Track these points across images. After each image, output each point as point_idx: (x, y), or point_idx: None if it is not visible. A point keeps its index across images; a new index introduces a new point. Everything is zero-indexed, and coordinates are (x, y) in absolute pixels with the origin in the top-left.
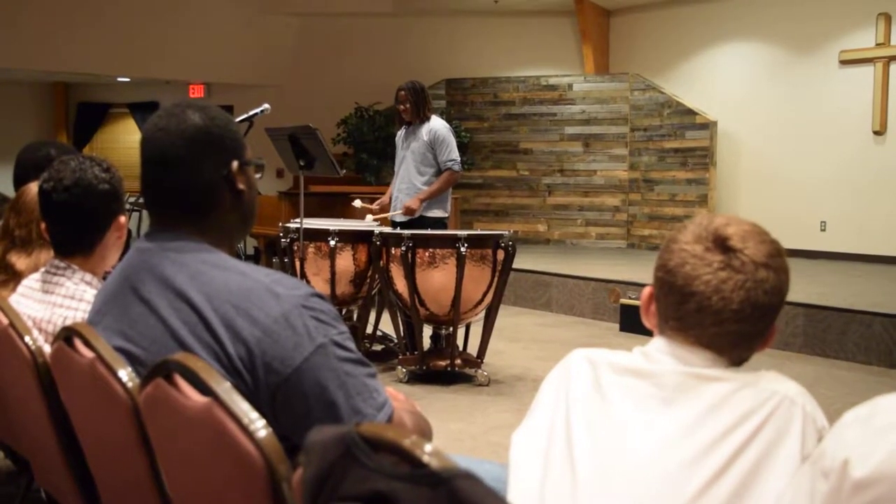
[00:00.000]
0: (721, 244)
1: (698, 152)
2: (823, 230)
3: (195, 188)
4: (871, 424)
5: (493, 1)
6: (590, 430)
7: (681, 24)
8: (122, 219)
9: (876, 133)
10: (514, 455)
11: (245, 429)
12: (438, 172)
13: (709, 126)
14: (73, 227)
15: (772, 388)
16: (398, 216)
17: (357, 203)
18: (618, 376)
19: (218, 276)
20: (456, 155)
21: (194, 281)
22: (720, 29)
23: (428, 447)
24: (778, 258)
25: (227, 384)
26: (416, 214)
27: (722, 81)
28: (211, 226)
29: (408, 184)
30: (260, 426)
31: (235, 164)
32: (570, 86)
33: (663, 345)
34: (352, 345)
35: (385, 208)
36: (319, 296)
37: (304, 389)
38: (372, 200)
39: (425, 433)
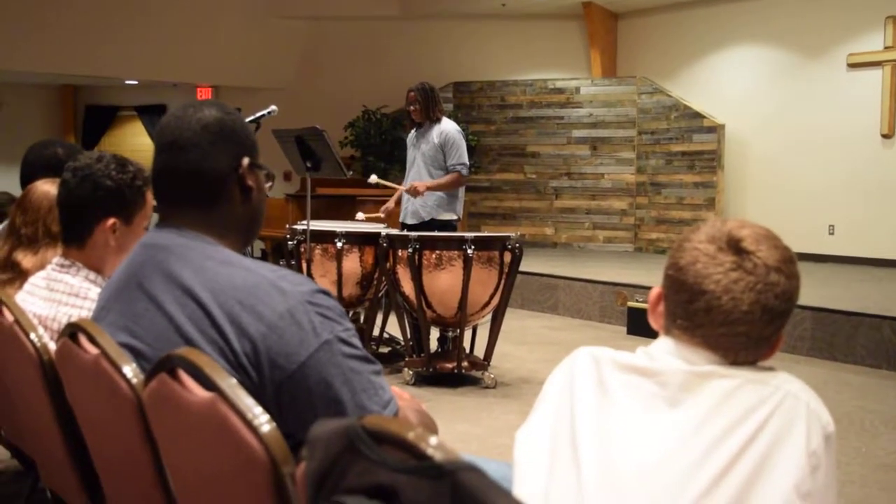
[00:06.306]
0: (734, 245)
1: (706, 156)
2: (832, 234)
3: (206, 175)
4: None
5: (501, 4)
6: (595, 430)
7: (688, 27)
8: (112, 221)
9: (884, 136)
10: (519, 453)
11: (249, 423)
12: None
13: (716, 129)
14: (64, 213)
15: (775, 384)
16: (409, 219)
17: (360, 216)
18: (622, 374)
19: (223, 271)
20: (465, 159)
21: (200, 276)
22: (728, 32)
23: (432, 440)
24: (790, 264)
25: (232, 379)
26: (418, 196)
27: (729, 85)
28: (218, 219)
29: None
30: (263, 421)
31: (247, 160)
32: (577, 89)
33: (669, 345)
34: (357, 341)
35: (389, 212)
36: (325, 292)
37: (308, 385)
38: (378, 203)
39: (430, 430)
